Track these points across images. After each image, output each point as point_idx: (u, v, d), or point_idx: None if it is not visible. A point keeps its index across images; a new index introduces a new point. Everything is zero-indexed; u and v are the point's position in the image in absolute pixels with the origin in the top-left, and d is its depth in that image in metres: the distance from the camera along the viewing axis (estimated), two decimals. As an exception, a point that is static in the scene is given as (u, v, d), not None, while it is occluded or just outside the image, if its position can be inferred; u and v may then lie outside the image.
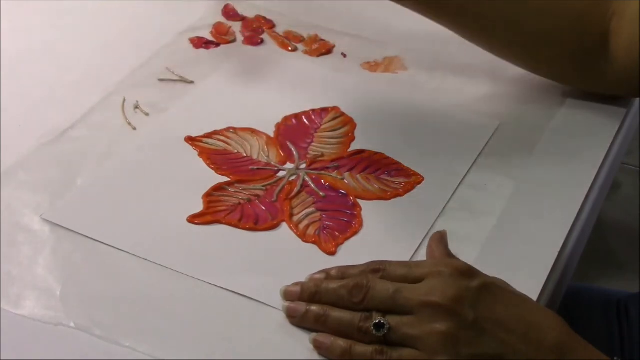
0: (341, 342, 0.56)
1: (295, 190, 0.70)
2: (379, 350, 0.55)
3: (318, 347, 0.57)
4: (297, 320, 0.58)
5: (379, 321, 0.55)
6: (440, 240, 0.62)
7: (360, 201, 0.69)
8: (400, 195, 0.70)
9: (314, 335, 0.57)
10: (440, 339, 0.54)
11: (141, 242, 0.64)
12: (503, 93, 0.82)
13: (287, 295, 0.60)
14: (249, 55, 0.87)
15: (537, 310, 0.57)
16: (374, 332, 0.55)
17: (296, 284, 0.60)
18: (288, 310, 0.59)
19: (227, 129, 0.77)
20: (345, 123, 0.78)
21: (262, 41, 0.88)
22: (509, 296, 0.57)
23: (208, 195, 0.69)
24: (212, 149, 0.74)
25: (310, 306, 0.58)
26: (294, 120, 0.78)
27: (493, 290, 0.56)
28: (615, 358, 0.54)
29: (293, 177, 0.72)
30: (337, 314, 0.57)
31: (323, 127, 0.78)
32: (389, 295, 0.56)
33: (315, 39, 0.88)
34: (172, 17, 0.92)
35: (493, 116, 0.79)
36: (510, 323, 0.55)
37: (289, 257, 0.64)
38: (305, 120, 0.78)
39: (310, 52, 0.87)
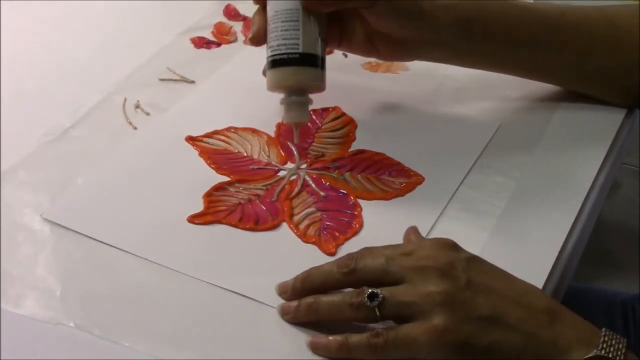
0: (337, 337, 0.56)
1: (296, 190, 0.70)
2: (374, 333, 0.55)
3: (315, 347, 0.57)
4: (292, 316, 0.59)
5: (373, 291, 0.55)
6: (416, 231, 0.64)
7: (360, 201, 0.69)
8: (401, 195, 0.70)
9: (309, 337, 0.57)
10: (437, 299, 0.54)
11: (141, 242, 0.64)
12: (504, 93, 0.82)
13: (280, 287, 0.60)
14: (250, 55, 0.87)
15: (522, 282, 0.58)
16: (368, 303, 0.55)
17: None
18: (281, 308, 0.59)
19: (228, 129, 0.77)
20: (346, 123, 0.78)
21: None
22: (495, 268, 0.58)
23: (208, 195, 0.69)
24: (213, 148, 0.74)
25: (301, 300, 0.58)
26: (294, 120, 0.78)
27: (480, 261, 0.58)
28: (604, 329, 0.55)
29: (294, 177, 0.72)
30: (327, 298, 0.58)
31: (324, 127, 0.78)
32: (380, 263, 0.57)
33: (315, 39, 0.88)
34: (173, 17, 0.92)
35: (494, 116, 0.79)
36: (502, 288, 0.56)
37: (289, 257, 0.64)
38: (305, 120, 0.78)
39: (310, 52, 0.87)
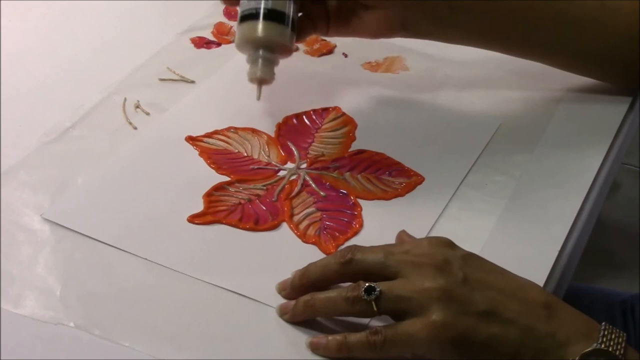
0: (336, 337, 0.56)
1: (296, 190, 0.70)
2: (373, 331, 0.55)
3: (315, 348, 0.57)
4: (290, 314, 0.59)
5: (370, 285, 0.55)
6: (406, 234, 0.64)
7: (360, 201, 0.69)
8: (401, 195, 0.70)
9: (309, 338, 0.57)
10: (434, 295, 0.54)
11: (141, 242, 0.64)
12: (503, 93, 0.82)
13: (280, 285, 0.60)
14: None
15: (519, 277, 0.58)
16: (365, 296, 0.55)
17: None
18: (280, 308, 0.59)
19: (228, 129, 0.77)
20: (346, 123, 0.78)
21: (262, 41, 0.88)
22: (491, 264, 0.58)
23: (208, 195, 0.69)
24: (213, 148, 0.74)
25: (298, 298, 0.59)
26: (294, 120, 0.78)
27: (476, 258, 0.58)
28: (603, 323, 0.55)
29: (294, 177, 0.72)
30: (323, 294, 0.58)
31: (324, 127, 0.78)
32: (378, 257, 0.57)
33: (316, 39, 0.88)
34: (173, 16, 0.92)
35: (494, 116, 0.79)
36: (498, 284, 0.56)
37: (289, 257, 0.64)
38: (306, 120, 0.78)
39: (311, 52, 0.87)
